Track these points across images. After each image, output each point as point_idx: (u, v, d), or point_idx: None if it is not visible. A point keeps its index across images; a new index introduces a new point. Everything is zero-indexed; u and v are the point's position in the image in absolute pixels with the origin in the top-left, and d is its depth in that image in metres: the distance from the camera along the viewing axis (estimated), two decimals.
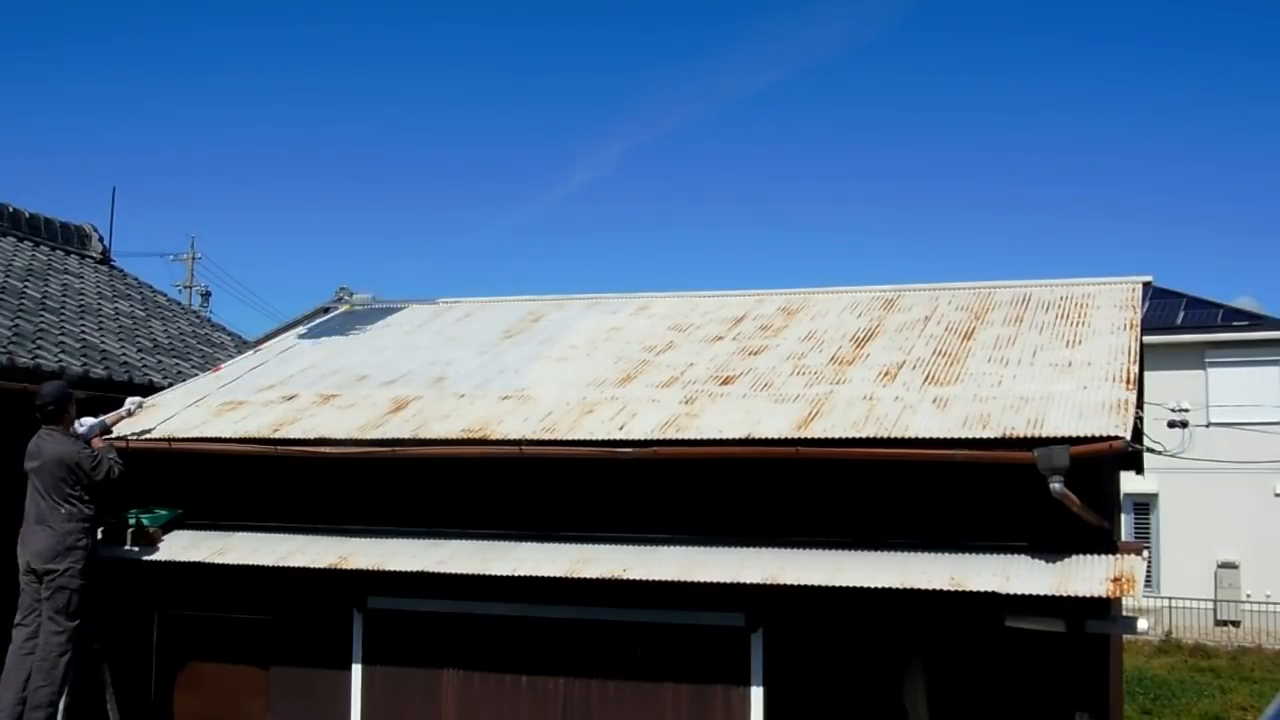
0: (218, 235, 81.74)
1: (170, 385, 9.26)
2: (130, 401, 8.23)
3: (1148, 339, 10.12)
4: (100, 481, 7.44)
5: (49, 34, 78.49)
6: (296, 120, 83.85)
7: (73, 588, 7.30)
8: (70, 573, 7.29)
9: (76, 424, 7.71)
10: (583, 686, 7.40)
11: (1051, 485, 5.96)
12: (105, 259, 13.54)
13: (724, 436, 6.76)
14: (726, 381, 7.67)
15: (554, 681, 7.45)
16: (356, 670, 7.83)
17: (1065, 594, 6.06)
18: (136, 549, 7.82)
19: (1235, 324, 26.51)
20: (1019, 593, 6.15)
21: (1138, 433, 7.61)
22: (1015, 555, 6.46)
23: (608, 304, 10.12)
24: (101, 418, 7.94)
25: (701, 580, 6.64)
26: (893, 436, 6.44)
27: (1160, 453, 8.27)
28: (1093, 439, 6.06)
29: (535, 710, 7.47)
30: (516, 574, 6.95)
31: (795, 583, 6.48)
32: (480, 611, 7.57)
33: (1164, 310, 26.69)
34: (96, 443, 7.68)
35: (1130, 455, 6.86)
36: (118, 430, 7.91)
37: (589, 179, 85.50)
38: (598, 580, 6.82)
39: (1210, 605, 25.32)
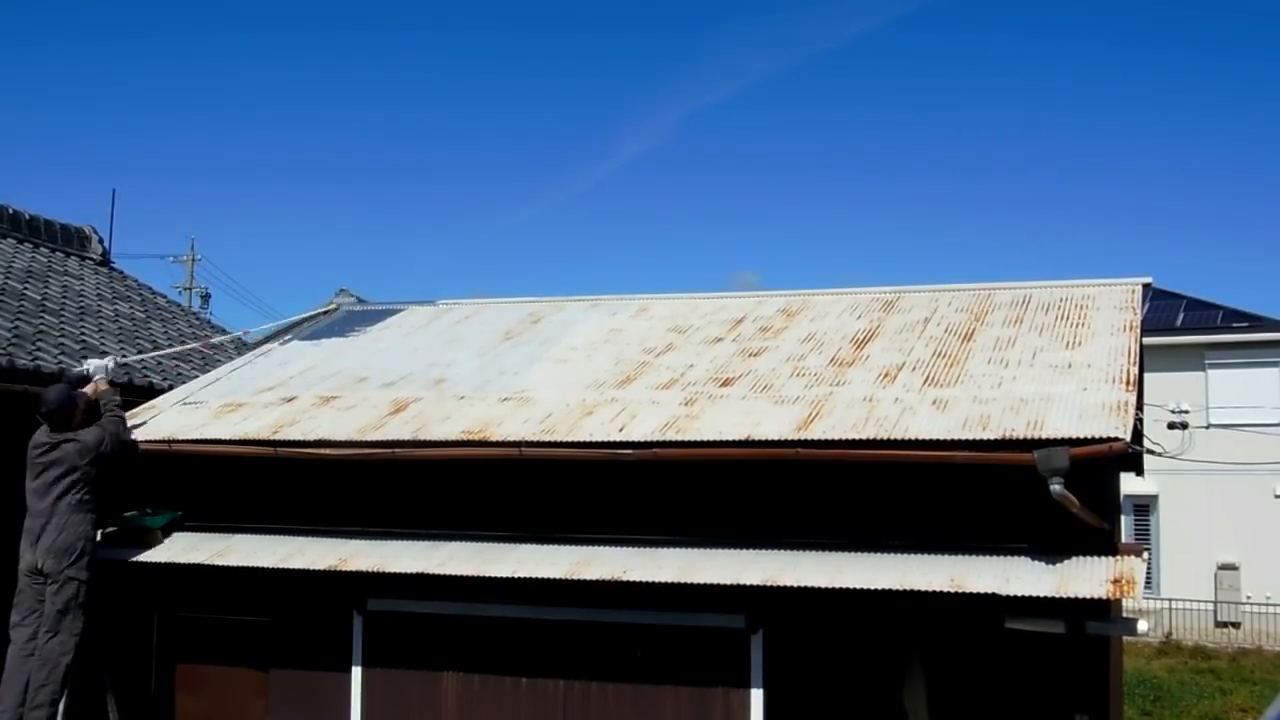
0: (218, 237, 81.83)
1: (170, 387, 9.26)
2: (108, 359, 8.48)
3: (1147, 340, 10.10)
4: (123, 448, 7.63)
5: (49, 36, 78.54)
6: (297, 122, 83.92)
7: (81, 580, 7.30)
8: (79, 569, 7.29)
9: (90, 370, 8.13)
10: (582, 688, 7.40)
11: (1051, 487, 5.96)
12: (105, 261, 13.55)
13: (724, 438, 6.76)
14: (726, 383, 7.67)
15: (554, 683, 7.45)
16: (356, 672, 7.83)
17: (1065, 595, 6.06)
18: (137, 550, 7.81)
19: (1235, 325, 26.47)
20: (1019, 594, 6.15)
21: (1138, 434, 7.60)
22: (1015, 557, 6.46)
23: (607, 306, 10.11)
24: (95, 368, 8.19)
25: (701, 582, 6.64)
26: (892, 438, 6.44)
27: (1160, 454, 8.23)
28: (1093, 440, 6.06)
29: (535, 712, 7.46)
30: (516, 575, 6.95)
31: (795, 584, 6.48)
32: (480, 613, 7.57)
33: (1164, 311, 26.66)
34: (101, 387, 7.95)
35: (1130, 457, 6.84)
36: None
37: (588, 180, 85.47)
38: (598, 582, 6.82)
39: (1210, 607, 25.31)
